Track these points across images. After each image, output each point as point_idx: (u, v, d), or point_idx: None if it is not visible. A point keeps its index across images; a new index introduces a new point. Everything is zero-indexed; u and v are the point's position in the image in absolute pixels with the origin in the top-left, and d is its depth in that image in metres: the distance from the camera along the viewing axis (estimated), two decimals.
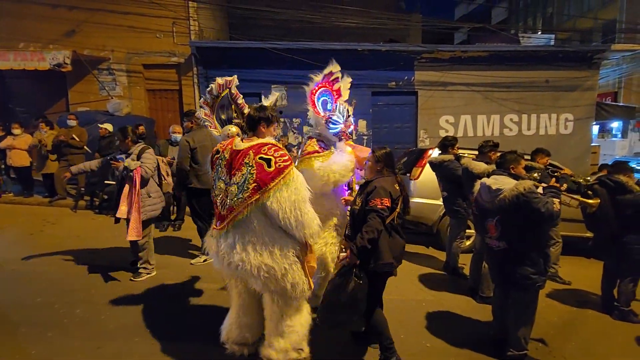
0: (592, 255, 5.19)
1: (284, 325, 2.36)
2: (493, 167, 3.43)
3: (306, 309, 2.48)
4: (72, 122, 6.98)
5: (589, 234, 4.27)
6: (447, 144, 4.58)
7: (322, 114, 3.25)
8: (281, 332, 2.36)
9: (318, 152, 3.07)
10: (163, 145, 5.85)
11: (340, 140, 3.23)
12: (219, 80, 2.94)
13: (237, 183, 2.23)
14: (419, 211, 5.42)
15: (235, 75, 2.88)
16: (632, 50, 10.39)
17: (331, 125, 3.21)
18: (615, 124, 19.34)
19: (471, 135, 9.75)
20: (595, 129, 18.11)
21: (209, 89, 3.03)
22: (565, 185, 4.32)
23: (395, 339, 2.65)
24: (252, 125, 2.45)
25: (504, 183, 2.74)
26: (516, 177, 2.83)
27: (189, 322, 3.15)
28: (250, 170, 2.20)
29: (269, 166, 2.19)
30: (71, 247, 4.85)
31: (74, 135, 6.80)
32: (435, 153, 5.19)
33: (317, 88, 3.30)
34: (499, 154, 3.49)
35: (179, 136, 5.54)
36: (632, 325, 3.47)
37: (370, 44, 9.50)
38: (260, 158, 2.21)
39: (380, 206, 2.38)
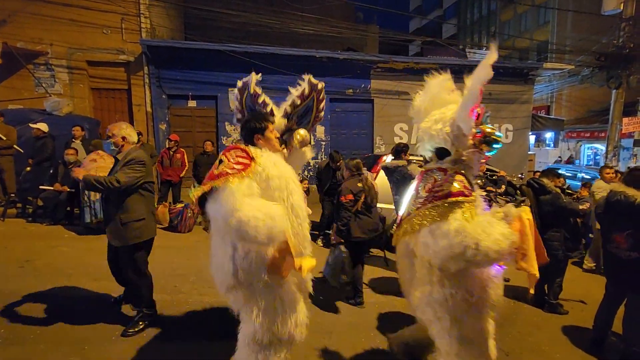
0: None
1: None
2: None
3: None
4: None
5: None
6: (399, 150, 4.78)
7: (473, 129, 2.05)
8: None
9: (465, 196, 1.95)
10: (98, 145, 5.46)
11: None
12: (238, 83, 2.65)
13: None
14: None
15: (253, 72, 2.56)
16: (561, 69, 11.59)
17: (494, 146, 2.06)
18: (549, 135, 21.46)
19: None
20: (532, 138, 19.95)
21: (235, 90, 2.76)
22: (503, 187, 4.72)
23: (353, 343, 2.69)
24: (247, 137, 2.19)
25: None
26: None
27: None
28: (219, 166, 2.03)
29: (218, 167, 1.98)
30: None
31: (0, 135, 6.15)
32: (388, 159, 5.39)
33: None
34: None
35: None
36: (560, 317, 3.85)
37: (328, 51, 9.68)
38: (220, 160, 2.00)
39: (344, 200, 3.68)
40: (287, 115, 2.50)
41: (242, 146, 2.07)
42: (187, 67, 8.88)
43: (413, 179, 4.04)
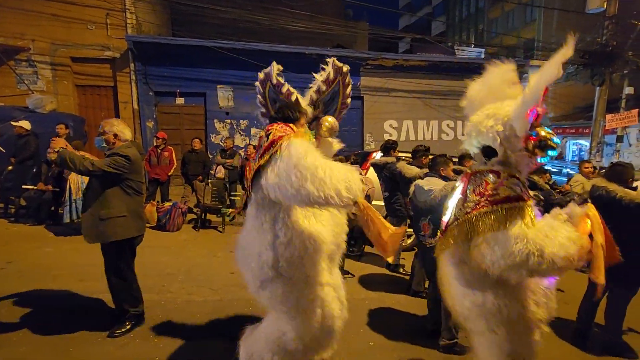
0: None
1: None
2: (425, 171, 3.68)
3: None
4: None
5: None
6: (389, 147, 4.82)
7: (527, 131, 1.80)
8: None
9: (523, 200, 1.78)
10: (78, 145, 5.33)
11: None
12: (260, 75, 2.53)
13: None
14: None
15: (274, 62, 2.44)
16: None
17: (549, 153, 1.83)
18: None
19: (413, 139, 10.35)
20: None
21: (257, 83, 2.62)
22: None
23: (343, 339, 2.69)
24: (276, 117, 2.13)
25: (434, 184, 2.94)
26: (446, 178, 3.05)
27: None
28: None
29: (267, 139, 1.88)
30: None
31: None
32: (378, 155, 5.42)
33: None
34: (430, 157, 3.75)
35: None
36: None
37: (318, 48, 9.65)
38: (267, 136, 1.91)
39: None
40: (312, 103, 2.38)
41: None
42: (175, 63, 8.76)
43: (402, 175, 4.10)
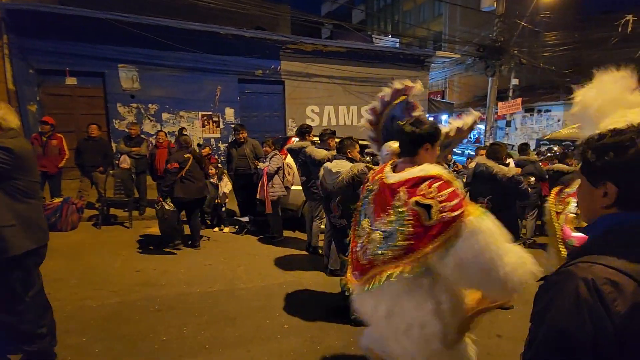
0: None
1: None
2: (333, 153, 3.77)
3: None
4: None
5: None
6: (303, 131, 4.82)
7: None
8: None
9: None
10: None
11: None
12: (397, 84, 2.24)
13: (384, 231, 1.61)
14: (285, 198, 5.58)
15: (420, 82, 2.23)
16: (450, 57, 12.97)
17: None
18: (444, 117, 24.16)
19: (334, 124, 10.58)
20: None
21: (382, 94, 2.34)
22: None
23: (257, 325, 2.65)
24: (410, 147, 1.73)
25: (342, 166, 3.02)
26: (352, 160, 3.15)
27: None
28: (401, 218, 1.55)
29: (429, 217, 1.49)
30: None
31: None
32: (295, 140, 5.40)
33: None
34: (337, 140, 3.85)
35: None
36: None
37: (233, 28, 9.15)
38: (417, 203, 1.52)
39: (170, 167, 4.58)
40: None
41: (437, 172, 1.58)
42: (63, 37, 7.51)
43: (311, 158, 4.15)
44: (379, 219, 1.65)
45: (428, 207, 1.49)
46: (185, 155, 4.67)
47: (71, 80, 7.80)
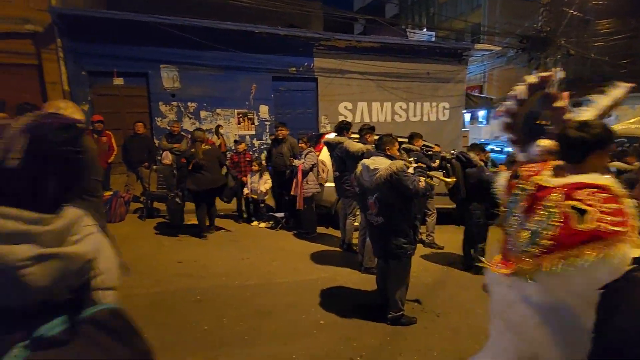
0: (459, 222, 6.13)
1: None
2: (368, 147, 3.77)
3: None
4: None
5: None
6: (342, 128, 4.83)
7: None
8: None
9: None
10: None
11: None
12: (531, 78, 2.04)
13: (531, 230, 1.53)
14: (319, 194, 5.61)
15: (557, 69, 1.99)
16: (490, 50, 12.38)
17: None
18: (482, 112, 23.14)
19: (367, 120, 10.45)
20: (468, 116, 21.35)
21: (515, 92, 2.12)
22: (437, 162, 4.97)
23: (293, 320, 2.69)
24: (576, 154, 1.53)
25: (380, 163, 2.97)
26: (391, 157, 3.09)
27: None
28: (550, 217, 1.45)
29: (581, 221, 1.35)
30: None
31: None
32: (332, 136, 5.40)
33: None
34: (376, 137, 3.81)
35: None
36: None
37: (268, 27, 9.27)
38: (573, 207, 1.38)
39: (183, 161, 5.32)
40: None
41: (606, 183, 1.38)
42: (110, 40, 7.96)
43: (347, 150, 4.13)
44: (527, 218, 1.56)
45: (583, 212, 1.32)
46: (192, 150, 5.03)
47: (118, 81, 8.27)
